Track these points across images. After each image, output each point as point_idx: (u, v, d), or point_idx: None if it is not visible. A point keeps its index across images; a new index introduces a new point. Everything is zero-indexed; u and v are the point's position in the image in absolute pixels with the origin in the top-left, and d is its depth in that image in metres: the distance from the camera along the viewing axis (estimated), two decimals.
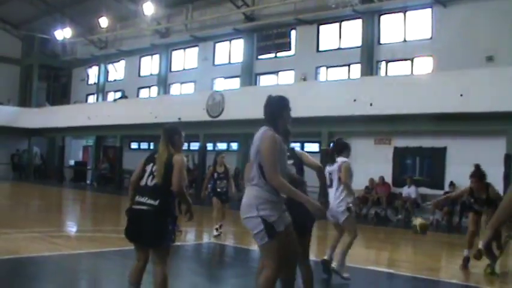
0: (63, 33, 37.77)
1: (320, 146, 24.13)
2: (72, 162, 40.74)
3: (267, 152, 5.23)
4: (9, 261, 9.50)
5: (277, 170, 5.18)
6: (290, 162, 6.22)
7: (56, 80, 43.93)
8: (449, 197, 11.53)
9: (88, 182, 38.15)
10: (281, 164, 5.30)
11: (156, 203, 5.79)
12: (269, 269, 5.31)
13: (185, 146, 28.18)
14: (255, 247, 10.26)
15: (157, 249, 5.91)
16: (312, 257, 7.87)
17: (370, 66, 25.20)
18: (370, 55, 25.28)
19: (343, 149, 9.24)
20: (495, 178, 12.41)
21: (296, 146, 28.36)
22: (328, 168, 9.03)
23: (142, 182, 5.91)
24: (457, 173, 18.60)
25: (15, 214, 17.95)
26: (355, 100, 21.37)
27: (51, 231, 13.13)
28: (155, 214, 5.79)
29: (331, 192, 8.85)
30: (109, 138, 37.54)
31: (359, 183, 19.28)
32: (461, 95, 18.31)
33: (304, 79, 26.87)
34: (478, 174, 10.05)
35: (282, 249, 5.33)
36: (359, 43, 25.77)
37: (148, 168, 5.95)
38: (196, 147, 28.52)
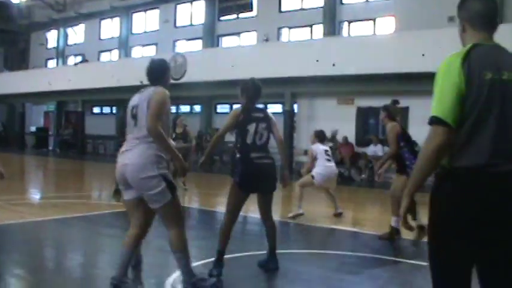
0: None
1: (283, 107, 24.14)
2: (33, 129, 40.21)
3: (157, 103, 5.16)
4: None
5: (158, 120, 5.11)
6: (263, 125, 6.47)
7: (13, 45, 43.04)
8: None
9: (50, 148, 37.74)
10: (164, 120, 5.23)
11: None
12: (176, 228, 5.36)
13: None
14: (219, 209, 10.30)
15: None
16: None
17: (332, 27, 25.19)
18: (332, 15, 25.26)
19: None
20: None
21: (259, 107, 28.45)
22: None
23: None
24: (419, 132, 18.73)
25: None
26: (317, 61, 21.38)
27: (14, 199, 12.90)
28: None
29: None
30: (70, 103, 37.07)
31: None
32: (422, 55, 18.39)
33: (267, 40, 26.76)
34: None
35: (178, 204, 5.47)
36: (321, 3, 25.69)
37: (252, 128, 6.40)
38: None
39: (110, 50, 35.91)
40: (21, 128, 39.13)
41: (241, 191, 6.39)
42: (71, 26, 38.86)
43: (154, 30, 33.42)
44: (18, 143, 38.42)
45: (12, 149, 35.47)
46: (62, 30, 39.29)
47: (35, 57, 42.16)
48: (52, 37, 40.62)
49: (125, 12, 34.70)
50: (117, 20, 35.40)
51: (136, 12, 34.67)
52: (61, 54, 39.39)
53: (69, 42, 39.41)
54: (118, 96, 29.73)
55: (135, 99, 5.41)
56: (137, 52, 34.35)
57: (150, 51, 33.10)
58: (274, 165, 6.54)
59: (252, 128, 6.37)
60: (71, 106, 37.49)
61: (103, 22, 36.87)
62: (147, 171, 5.15)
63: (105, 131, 33.34)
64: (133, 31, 34.91)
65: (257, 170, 6.38)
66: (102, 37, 36.93)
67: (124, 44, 34.62)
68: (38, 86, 33.46)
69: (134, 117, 5.32)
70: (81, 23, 38.09)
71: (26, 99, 37.65)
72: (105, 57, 36.30)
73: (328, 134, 14.65)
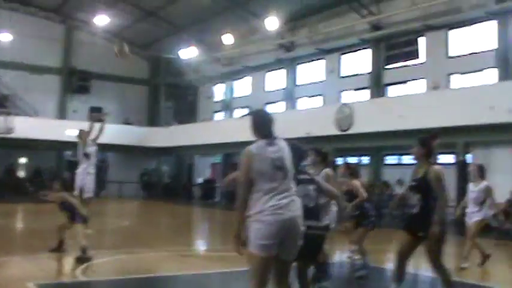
0: (188, 52, 38.25)
1: (456, 158, 22.79)
2: (200, 180, 41.12)
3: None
4: (142, 280, 9.66)
5: None
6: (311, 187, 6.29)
7: (182, 99, 44.63)
8: None
9: (216, 199, 38.27)
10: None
11: None
12: None
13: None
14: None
15: None
16: None
17: (507, 71, 23.64)
18: (506, 58, 23.74)
19: None
20: None
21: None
22: None
23: None
24: None
25: (146, 233, 18.12)
26: (492, 107, 19.99)
27: (182, 250, 13.19)
28: None
29: None
30: (237, 154, 37.55)
31: (499, 196, 17.92)
32: None
33: (436, 87, 25.65)
34: None
35: None
36: (494, 46, 24.29)
37: None
38: None
39: (275, 102, 36.13)
40: (188, 179, 40.12)
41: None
42: (237, 79, 39.71)
43: (320, 81, 33.22)
44: (186, 193, 39.38)
45: (179, 200, 36.44)
46: (228, 83, 40.24)
47: (203, 110, 43.44)
48: (219, 90, 41.70)
49: (290, 63, 34.87)
50: (282, 71, 35.64)
51: (301, 63, 34.75)
52: (228, 106, 40.26)
53: (236, 94, 40.20)
54: None
55: (275, 151, 5.44)
56: (303, 103, 34.25)
57: (316, 102, 32.86)
58: None
59: None
60: (237, 157, 37.95)
61: (268, 74, 37.28)
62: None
63: None
64: (299, 82, 34.93)
65: None
66: (267, 89, 37.31)
67: (289, 96, 34.70)
68: (206, 138, 34.19)
69: (281, 168, 5.32)
70: (247, 75, 38.78)
71: (194, 151, 38.66)
72: (271, 109, 36.55)
73: None
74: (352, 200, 9.91)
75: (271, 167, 5.26)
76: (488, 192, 11.11)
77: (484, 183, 11.12)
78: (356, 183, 10.11)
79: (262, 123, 5.68)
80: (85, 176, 11.48)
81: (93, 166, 11.79)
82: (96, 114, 11.63)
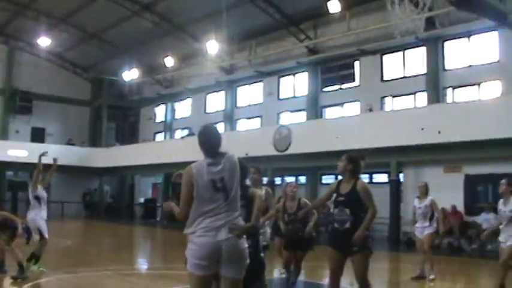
0: (130, 74, 38.52)
1: (389, 177, 23.83)
2: (142, 200, 41.31)
3: None
4: None
5: None
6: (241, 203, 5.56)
7: (124, 120, 44.86)
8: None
9: (158, 219, 38.55)
10: None
11: None
12: None
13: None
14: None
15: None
16: None
17: (436, 94, 24.79)
18: (435, 82, 24.90)
19: None
20: None
21: (364, 177, 28.23)
22: None
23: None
24: None
25: (88, 252, 18.25)
26: (422, 129, 21.11)
27: (124, 269, 13.25)
28: None
29: None
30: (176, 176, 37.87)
31: None
32: None
33: (370, 110, 26.63)
34: None
35: None
36: (424, 71, 25.45)
37: None
38: (265, 182, 28.50)
39: (215, 123, 36.58)
40: (130, 199, 40.27)
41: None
42: (178, 101, 40.20)
43: (259, 103, 33.92)
44: (128, 213, 39.52)
45: (121, 220, 36.51)
46: (169, 104, 40.69)
47: (144, 131, 43.69)
48: (160, 112, 42.12)
49: (230, 86, 35.49)
50: (222, 93, 36.23)
51: (240, 85, 35.38)
52: (169, 127, 40.67)
53: (177, 116, 40.66)
54: None
55: (217, 171, 5.24)
56: (242, 125, 34.90)
57: (255, 124, 33.59)
58: None
59: None
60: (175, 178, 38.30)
61: (209, 96, 37.82)
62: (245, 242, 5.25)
63: None
64: (238, 104, 35.55)
65: None
66: (208, 110, 37.81)
67: (229, 117, 35.26)
68: (147, 159, 34.50)
69: (221, 190, 5.18)
70: (187, 97, 39.28)
71: (135, 171, 38.85)
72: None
73: None
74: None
75: (210, 189, 5.13)
76: (434, 205, 11.98)
77: (429, 198, 11.97)
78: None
79: (206, 141, 5.42)
80: (40, 220, 11.74)
81: (46, 211, 12.01)
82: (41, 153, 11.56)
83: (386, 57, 27.49)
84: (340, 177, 7.55)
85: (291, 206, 10.21)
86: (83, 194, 42.32)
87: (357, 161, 7.51)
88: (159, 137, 41.95)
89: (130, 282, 11.56)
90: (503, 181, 9.57)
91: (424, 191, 12.11)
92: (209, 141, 5.39)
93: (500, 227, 9.58)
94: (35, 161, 11.69)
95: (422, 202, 12.03)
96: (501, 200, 9.61)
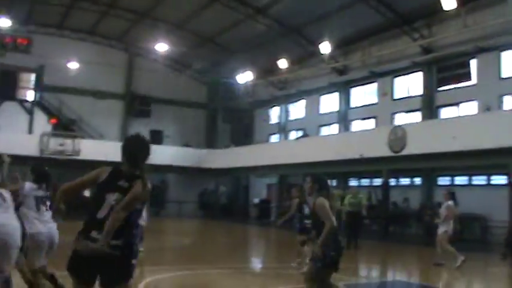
0: (244, 77, 39.16)
1: (508, 179, 22.99)
2: (256, 200, 41.79)
3: None
4: None
5: None
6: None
7: (239, 122, 45.49)
8: None
9: (272, 219, 38.89)
10: None
11: None
12: None
13: (367, 182, 27.91)
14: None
15: None
16: None
17: None
18: None
19: None
20: None
21: (481, 179, 27.44)
22: None
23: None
24: None
25: (204, 251, 18.66)
26: None
27: (239, 268, 13.51)
28: None
29: None
30: (292, 176, 38.14)
31: None
32: None
33: (488, 109, 25.81)
34: None
35: None
36: None
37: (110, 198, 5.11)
38: (379, 183, 28.22)
39: (329, 124, 36.64)
40: (245, 200, 40.86)
41: (73, 278, 4.98)
42: (292, 103, 40.47)
43: (373, 104, 33.65)
44: (242, 214, 40.13)
45: (236, 219, 37.12)
46: (283, 106, 41.02)
47: (258, 132, 44.28)
48: (274, 113, 42.54)
49: (344, 87, 35.36)
50: (335, 95, 36.17)
51: (354, 86, 35.22)
52: (283, 129, 40.99)
53: (291, 117, 40.95)
54: (338, 169, 30.16)
55: None
56: (356, 126, 34.69)
57: (369, 125, 33.30)
58: (116, 258, 4.83)
59: (110, 198, 4.98)
60: (292, 179, 38.54)
61: (322, 97, 37.83)
62: None
63: None
64: (352, 105, 35.36)
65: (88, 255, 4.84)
66: (321, 112, 37.86)
67: (343, 118, 35.12)
68: (262, 160, 34.88)
69: None
70: (301, 99, 39.48)
71: (250, 172, 39.36)
72: (325, 131, 37.04)
73: None
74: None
75: None
76: None
77: None
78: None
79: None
80: None
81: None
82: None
83: (504, 54, 26.45)
84: None
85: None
86: (199, 194, 43.38)
87: (322, 180, 7.84)
88: (274, 138, 42.35)
89: (245, 280, 11.77)
90: None
91: None
92: (135, 154, 5.23)
93: None
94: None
95: None
96: None
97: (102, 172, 5.12)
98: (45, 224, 7.70)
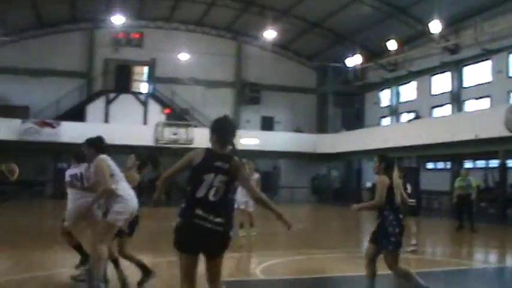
0: (353, 60, 38.94)
1: None
2: (369, 184, 41.50)
3: None
4: (317, 280, 10.23)
5: None
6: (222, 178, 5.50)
7: (349, 106, 45.17)
8: None
9: None
10: None
11: None
12: None
13: (483, 164, 27.24)
14: None
15: None
16: None
17: None
18: None
19: None
20: None
21: None
22: None
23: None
24: None
25: (317, 235, 18.82)
26: None
27: (354, 252, 13.54)
28: None
29: None
30: (405, 159, 37.56)
31: None
32: None
33: None
34: None
35: None
36: None
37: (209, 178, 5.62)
38: (496, 164, 27.36)
39: (442, 105, 35.84)
40: (357, 184, 40.69)
41: (181, 252, 5.45)
42: (403, 84, 39.85)
43: (487, 82, 32.54)
44: (355, 198, 39.95)
45: (349, 204, 36.87)
46: (394, 88, 40.46)
47: (369, 116, 43.94)
48: (385, 96, 42.05)
49: (456, 66, 34.45)
50: (447, 74, 35.30)
51: (467, 65, 34.21)
52: (394, 111, 40.47)
53: (402, 99, 40.34)
54: (453, 151, 29.47)
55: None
56: (470, 105, 33.72)
57: (484, 104, 32.25)
58: (219, 234, 5.40)
59: (208, 178, 5.41)
60: (405, 162, 37.96)
61: (433, 78, 37.04)
62: None
63: (439, 187, 32.73)
64: (465, 84, 34.37)
65: (194, 231, 5.35)
66: (433, 93, 37.07)
67: (456, 98, 34.24)
68: (374, 143, 34.57)
69: None
70: (412, 80, 38.81)
71: (362, 156, 39.13)
72: (437, 112, 36.29)
73: None
74: None
75: None
76: None
77: None
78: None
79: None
80: None
81: None
82: None
83: None
84: None
85: None
86: (311, 179, 43.59)
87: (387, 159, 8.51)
88: (385, 121, 41.91)
89: (361, 264, 11.75)
90: None
91: None
92: (227, 135, 5.84)
93: None
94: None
95: None
96: None
97: (195, 156, 5.54)
98: None
